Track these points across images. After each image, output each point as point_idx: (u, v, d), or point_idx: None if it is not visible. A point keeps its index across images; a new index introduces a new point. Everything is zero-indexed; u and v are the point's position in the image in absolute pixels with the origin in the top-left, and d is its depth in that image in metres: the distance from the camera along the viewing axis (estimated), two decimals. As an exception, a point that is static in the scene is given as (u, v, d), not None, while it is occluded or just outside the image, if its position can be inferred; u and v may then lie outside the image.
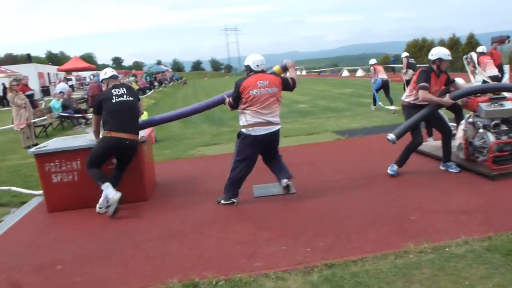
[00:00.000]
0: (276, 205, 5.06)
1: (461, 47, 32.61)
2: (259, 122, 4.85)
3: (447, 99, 5.51)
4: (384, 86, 12.69)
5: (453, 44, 33.73)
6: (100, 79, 5.44)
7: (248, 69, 5.00)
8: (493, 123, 5.46)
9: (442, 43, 35.12)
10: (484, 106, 5.43)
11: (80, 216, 5.19)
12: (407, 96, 5.80)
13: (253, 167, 5.13)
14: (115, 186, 5.01)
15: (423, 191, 5.15)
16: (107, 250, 4.11)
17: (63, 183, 5.33)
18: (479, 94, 5.69)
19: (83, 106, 17.97)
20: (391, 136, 5.53)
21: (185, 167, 7.31)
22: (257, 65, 4.97)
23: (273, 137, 5.02)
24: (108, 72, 5.36)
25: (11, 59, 61.04)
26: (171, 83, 50.28)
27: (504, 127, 5.52)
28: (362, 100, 16.44)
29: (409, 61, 13.00)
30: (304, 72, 59.26)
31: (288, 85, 5.12)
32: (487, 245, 3.58)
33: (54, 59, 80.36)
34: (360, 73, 38.42)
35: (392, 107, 11.73)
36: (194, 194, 5.72)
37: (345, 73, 43.90)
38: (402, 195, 5.04)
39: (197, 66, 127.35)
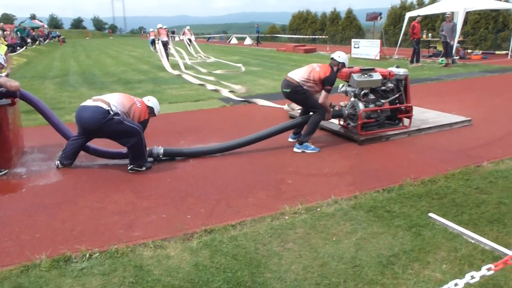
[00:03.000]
0: (157, 173, 4.95)
1: (341, 21, 34.57)
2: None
3: (329, 115, 5.81)
4: (164, 45, 18.03)
5: (334, 18, 35.62)
6: None
7: None
8: (362, 92, 5.91)
9: (324, 16, 36.86)
10: (355, 76, 5.84)
11: None
12: (305, 80, 5.51)
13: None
14: None
15: (300, 155, 5.46)
16: (-36, 226, 3.69)
17: None
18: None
19: None
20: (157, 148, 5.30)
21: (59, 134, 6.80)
22: None
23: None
24: None
25: None
26: (47, 40, 45.96)
27: (371, 96, 6.01)
28: (249, 68, 16.69)
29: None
30: (193, 38, 58.21)
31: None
32: (353, 203, 3.93)
33: None
34: (248, 41, 38.90)
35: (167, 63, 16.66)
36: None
37: (234, 40, 44.13)
38: (281, 160, 5.27)
39: (77, 24, 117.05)
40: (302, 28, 39.22)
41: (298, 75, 5.62)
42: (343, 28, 34.02)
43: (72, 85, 12.80)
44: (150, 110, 5.23)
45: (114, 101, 4.91)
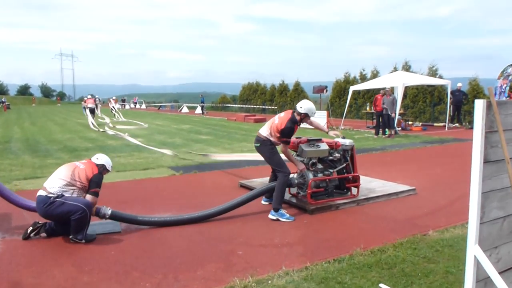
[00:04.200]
0: (100, 244, 4.69)
1: (289, 93, 36.00)
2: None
3: (302, 167, 5.90)
4: (91, 110, 23.55)
5: (282, 89, 37.05)
6: None
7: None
8: (311, 162, 6.04)
9: (273, 88, 38.29)
10: (304, 146, 5.97)
11: None
12: (269, 134, 5.76)
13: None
14: None
15: (251, 225, 5.37)
16: None
17: None
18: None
19: None
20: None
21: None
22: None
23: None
24: None
25: None
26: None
27: (320, 166, 6.14)
28: (199, 136, 16.78)
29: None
30: (144, 106, 58.44)
31: (90, 184, 4.88)
32: (305, 275, 3.84)
33: None
34: (199, 110, 39.42)
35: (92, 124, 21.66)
36: (4, 234, 4.99)
37: (185, 109, 44.66)
38: (231, 230, 5.16)
39: (24, 90, 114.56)
40: (252, 98, 40.42)
41: (264, 129, 5.86)
42: (292, 99, 35.31)
43: (14, 152, 12.26)
44: (102, 167, 5.07)
45: (53, 181, 4.81)
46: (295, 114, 5.77)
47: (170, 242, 4.75)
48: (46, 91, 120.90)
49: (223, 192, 7.13)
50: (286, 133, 5.65)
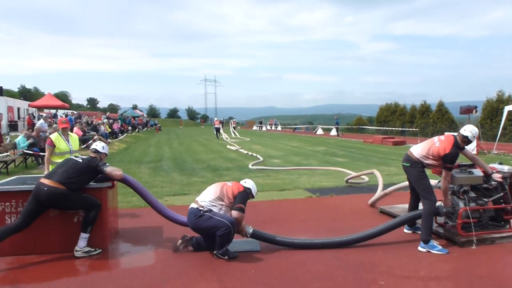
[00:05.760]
0: (242, 262, 4.85)
1: (431, 114, 33.87)
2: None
3: (448, 205, 5.50)
4: (217, 129, 35.05)
5: (424, 110, 35.09)
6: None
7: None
8: (462, 189, 5.51)
9: (413, 109, 36.42)
10: (454, 172, 5.48)
11: (30, 264, 4.84)
12: (424, 157, 5.39)
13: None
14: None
15: (393, 254, 5.07)
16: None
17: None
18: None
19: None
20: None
21: (151, 216, 7.04)
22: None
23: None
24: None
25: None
26: (145, 128, 50.16)
27: (472, 194, 5.57)
28: (335, 159, 16.60)
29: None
30: (279, 128, 60.12)
31: (235, 200, 5.16)
32: (457, 315, 3.47)
33: (27, 94, 79.28)
34: (334, 132, 39.20)
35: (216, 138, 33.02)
36: (157, 246, 5.47)
37: (320, 131, 44.80)
38: (371, 258, 4.93)
39: (173, 113, 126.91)
40: (390, 120, 38.95)
41: (417, 150, 5.50)
42: (434, 120, 33.23)
43: (165, 170, 13.51)
44: (248, 190, 5.37)
45: (204, 196, 5.23)
46: (458, 138, 5.34)
47: (308, 265, 4.70)
48: (192, 114, 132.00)
49: (361, 217, 6.90)
50: (449, 159, 5.21)
